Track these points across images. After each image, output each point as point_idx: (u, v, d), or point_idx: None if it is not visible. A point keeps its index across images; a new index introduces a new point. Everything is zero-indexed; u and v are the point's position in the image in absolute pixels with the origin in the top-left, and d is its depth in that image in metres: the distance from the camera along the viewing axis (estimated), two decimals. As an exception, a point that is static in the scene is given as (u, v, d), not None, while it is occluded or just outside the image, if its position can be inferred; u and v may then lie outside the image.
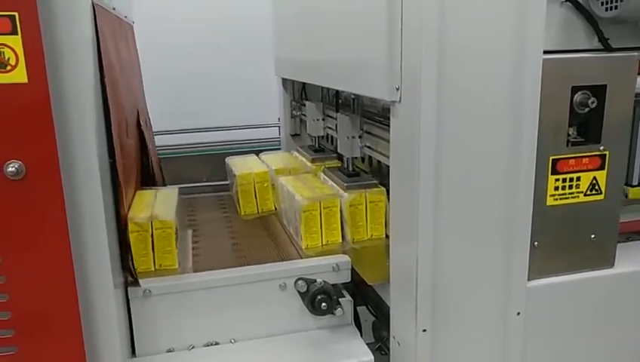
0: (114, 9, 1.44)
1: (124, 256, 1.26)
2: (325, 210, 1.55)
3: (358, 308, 1.56)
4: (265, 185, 1.86)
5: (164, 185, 2.11)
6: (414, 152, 1.08)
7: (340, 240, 1.58)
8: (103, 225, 1.08)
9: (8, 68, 0.93)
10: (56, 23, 0.97)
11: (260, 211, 1.87)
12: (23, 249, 1.01)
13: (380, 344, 1.53)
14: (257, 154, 2.12)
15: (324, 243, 1.57)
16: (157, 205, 1.47)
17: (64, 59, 0.98)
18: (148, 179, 1.80)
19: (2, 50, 0.92)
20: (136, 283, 1.30)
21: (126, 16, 1.73)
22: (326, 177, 1.77)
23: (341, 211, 1.57)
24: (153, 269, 1.37)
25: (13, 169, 0.97)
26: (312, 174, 1.85)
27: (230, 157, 2.08)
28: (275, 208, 1.87)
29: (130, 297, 1.29)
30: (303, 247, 1.54)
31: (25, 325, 1.04)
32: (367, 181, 1.64)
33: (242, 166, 1.94)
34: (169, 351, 1.33)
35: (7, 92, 0.94)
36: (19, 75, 0.94)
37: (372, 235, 1.59)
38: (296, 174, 1.84)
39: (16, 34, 0.92)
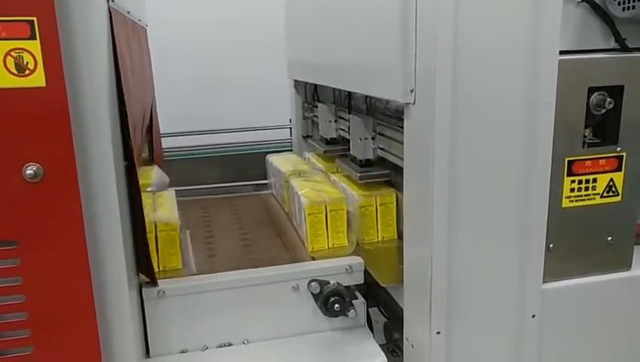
0: (128, 12, 1.46)
1: (139, 258, 1.27)
2: (331, 213, 1.53)
3: (370, 309, 1.56)
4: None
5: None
6: (429, 154, 1.07)
7: (346, 243, 1.55)
8: (118, 227, 1.09)
9: (27, 72, 0.94)
10: (73, 28, 0.98)
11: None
12: (40, 250, 1.02)
13: (392, 346, 1.53)
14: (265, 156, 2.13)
15: (330, 246, 1.55)
16: (158, 208, 1.49)
17: (81, 63, 0.99)
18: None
19: (21, 54, 0.93)
20: (150, 283, 1.30)
21: (139, 20, 1.74)
22: (336, 176, 1.77)
23: (350, 213, 1.56)
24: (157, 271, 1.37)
25: (32, 171, 0.98)
26: (322, 175, 1.85)
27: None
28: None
29: (144, 298, 1.30)
30: (309, 250, 1.52)
31: (41, 326, 1.05)
32: (379, 171, 1.62)
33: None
34: (182, 351, 1.34)
35: (26, 96, 0.95)
36: (37, 79, 0.95)
37: (383, 237, 1.59)
38: (305, 176, 1.84)
39: (35, 38, 0.93)
